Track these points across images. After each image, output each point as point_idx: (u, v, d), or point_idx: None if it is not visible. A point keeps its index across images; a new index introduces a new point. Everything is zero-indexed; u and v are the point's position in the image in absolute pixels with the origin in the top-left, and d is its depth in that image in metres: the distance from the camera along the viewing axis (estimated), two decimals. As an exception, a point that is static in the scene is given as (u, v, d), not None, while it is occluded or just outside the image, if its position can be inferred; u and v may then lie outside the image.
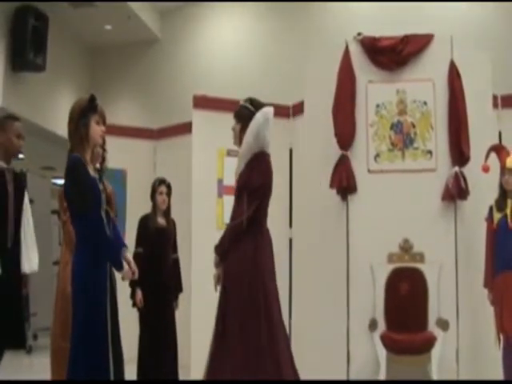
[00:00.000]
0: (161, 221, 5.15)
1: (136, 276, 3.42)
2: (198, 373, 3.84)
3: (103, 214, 3.30)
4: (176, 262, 5.26)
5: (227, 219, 3.95)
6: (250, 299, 3.59)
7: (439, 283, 5.15)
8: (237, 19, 9.53)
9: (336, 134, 5.38)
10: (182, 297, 5.30)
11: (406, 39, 5.47)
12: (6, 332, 4.07)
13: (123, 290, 4.48)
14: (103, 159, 3.52)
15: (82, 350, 3.15)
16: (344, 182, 5.29)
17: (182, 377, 5.14)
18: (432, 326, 5.07)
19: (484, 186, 5.14)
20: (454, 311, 5.15)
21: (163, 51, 9.81)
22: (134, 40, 9.72)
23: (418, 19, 7.91)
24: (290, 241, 6.53)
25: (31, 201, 4.55)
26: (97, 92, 3.69)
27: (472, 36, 7.59)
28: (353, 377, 5.22)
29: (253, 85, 8.35)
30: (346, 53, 5.48)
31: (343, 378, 5.22)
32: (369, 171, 5.44)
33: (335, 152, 5.38)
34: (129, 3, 8.76)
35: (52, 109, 8.75)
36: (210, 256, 3.80)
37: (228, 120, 4.02)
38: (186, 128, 6.74)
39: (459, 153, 5.23)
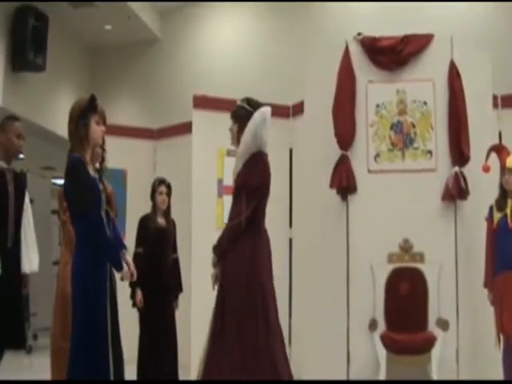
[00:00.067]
0: (161, 221, 5.15)
1: (135, 278, 3.43)
2: (198, 373, 3.84)
3: (103, 214, 3.31)
4: (176, 262, 5.26)
5: (227, 219, 3.95)
6: (248, 299, 3.59)
7: (439, 283, 5.15)
8: (237, 19, 9.53)
9: (336, 134, 5.38)
10: (182, 297, 5.30)
11: (406, 39, 5.47)
12: (5, 332, 4.08)
13: (123, 290, 4.49)
14: (102, 159, 3.53)
15: (82, 350, 3.16)
16: (344, 182, 5.29)
17: (182, 377, 5.14)
18: (432, 326, 5.07)
19: (484, 186, 5.14)
20: (454, 311, 5.15)
21: (163, 51, 9.80)
22: (134, 40, 9.72)
23: (417, 19, 7.90)
24: (290, 241, 6.53)
25: (31, 201, 4.55)
26: (97, 92, 3.69)
27: (472, 36, 7.59)
28: (353, 377, 5.22)
29: (253, 85, 8.35)
30: (346, 53, 5.48)
31: (343, 377, 5.22)
32: (369, 171, 5.44)
33: (335, 152, 5.38)
34: (129, 3, 8.76)
35: (52, 109, 8.75)
36: (210, 256, 3.80)
37: (228, 120, 4.01)
38: (186, 128, 6.74)
39: (459, 153, 5.23)
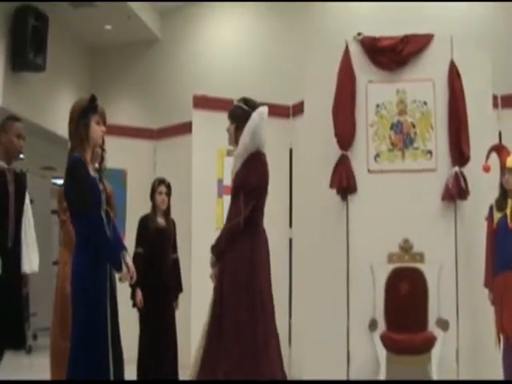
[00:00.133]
0: (161, 221, 5.15)
1: (134, 280, 3.43)
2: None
3: (103, 214, 3.31)
4: (176, 262, 5.26)
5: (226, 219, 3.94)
6: (246, 299, 3.59)
7: (439, 283, 5.15)
8: (237, 19, 9.53)
9: (336, 134, 5.38)
10: (182, 297, 5.30)
11: (406, 39, 5.47)
12: (5, 332, 4.08)
13: (123, 290, 4.48)
14: (102, 159, 3.53)
15: (82, 350, 3.16)
16: (344, 182, 5.29)
17: (182, 377, 5.14)
18: (432, 326, 5.07)
19: (484, 186, 5.14)
20: (454, 311, 5.15)
21: (163, 51, 9.80)
22: (134, 40, 9.71)
23: (418, 19, 7.90)
24: (290, 241, 6.53)
25: (31, 201, 4.55)
26: (97, 92, 3.69)
27: (472, 36, 7.58)
28: (353, 377, 5.22)
29: (253, 85, 8.35)
30: (346, 53, 5.48)
31: (343, 378, 5.22)
32: (369, 171, 5.44)
33: (335, 152, 5.38)
34: (129, 3, 8.75)
35: (52, 109, 8.75)
36: (209, 256, 3.80)
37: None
38: (186, 128, 6.74)
39: (459, 153, 5.23)
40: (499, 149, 4.93)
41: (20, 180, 4.30)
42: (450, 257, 5.22)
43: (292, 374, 6.09)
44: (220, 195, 6.31)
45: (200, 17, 9.60)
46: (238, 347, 3.53)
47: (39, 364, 6.41)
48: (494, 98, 5.81)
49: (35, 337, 8.49)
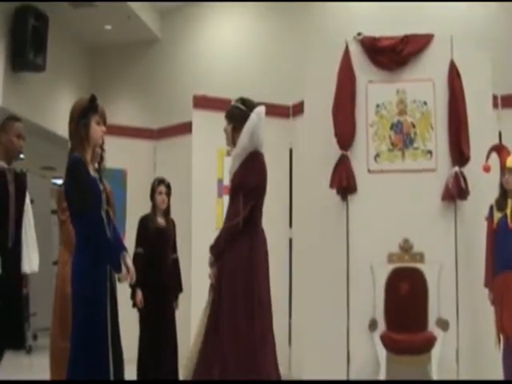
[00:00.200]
0: (160, 221, 5.15)
1: (133, 281, 3.43)
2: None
3: (103, 214, 3.31)
4: (176, 262, 5.26)
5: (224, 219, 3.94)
6: (245, 299, 3.59)
7: (439, 283, 5.15)
8: (237, 19, 9.53)
9: (336, 134, 5.38)
10: (182, 297, 5.30)
11: (406, 39, 5.47)
12: (5, 332, 4.08)
13: (123, 290, 4.48)
14: (101, 159, 3.53)
15: (82, 350, 3.16)
16: (344, 182, 5.29)
17: (182, 377, 5.13)
18: (432, 326, 5.07)
19: (484, 186, 5.14)
20: (454, 311, 5.14)
21: (163, 51, 9.80)
22: (134, 40, 9.72)
23: (418, 19, 7.90)
24: (290, 241, 6.53)
25: (31, 201, 4.55)
26: (97, 92, 3.69)
27: (472, 36, 7.59)
28: (353, 377, 5.22)
29: (253, 85, 8.35)
30: (346, 53, 5.48)
31: (343, 378, 5.22)
32: (369, 171, 5.44)
33: (335, 152, 5.38)
34: (129, 3, 8.76)
35: (52, 109, 8.75)
36: (208, 256, 3.80)
37: (228, 120, 4.01)
38: (186, 128, 6.74)
39: (459, 153, 5.23)
40: (499, 149, 4.93)
41: (20, 180, 4.31)
42: (450, 257, 5.22)
43: (292, 374, 6.10)
44: (220, 195, 6.31)
45: (200, 17, 9.61)
46: (235, 347, 3.53)
47: (39, 364, 6.40)
48: (494, 98, 5.81)
49: (35, 337, 8.49)
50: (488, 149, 4.94)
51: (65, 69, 9.24)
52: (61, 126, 7.49)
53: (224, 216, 3.84)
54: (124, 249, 3.45)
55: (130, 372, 4.22)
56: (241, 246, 3.64)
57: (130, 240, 4.98)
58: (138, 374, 4.96)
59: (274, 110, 6.34)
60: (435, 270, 5.16)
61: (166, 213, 5.20)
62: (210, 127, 6.21)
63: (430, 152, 5.40)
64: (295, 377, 5.91)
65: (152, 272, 4.91)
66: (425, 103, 5.44)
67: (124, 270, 3.31)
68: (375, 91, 5.49)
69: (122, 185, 7.09)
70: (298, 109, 6.31)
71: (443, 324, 5.02)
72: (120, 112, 9.27)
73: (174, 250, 5.26)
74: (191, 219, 6.18)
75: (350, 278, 5.32)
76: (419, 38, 5.50)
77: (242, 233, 3.64)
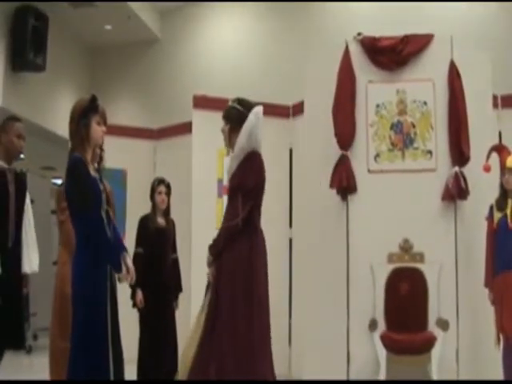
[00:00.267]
0: (160, 221, 5.15)
1: (133, 281, 3.44)
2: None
3: (103, 214, 3.31)
4: (175, 261, 5.26)
5: (223, 220, 3.94)
6: (244, 300, 3.59)
7: (439, 283, 5.15)
8: (237, 19, 9.53)
9: (336, 134, 5.38)
10: (182, 297, 5.31)
11: (406, 39, 5.47)
12: (5, 332, 4.08)
13: (123, 290, 4.48)
14: (101, 159, 3.53)
15: (82, 350, 3.16)
16: (344, 182, 5.29)
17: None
18: (432, 326, 5.07)
19: (484, 186, 5.14)
20: (454, 311, 5.14)
21: (163, 51, 9.81)
22: (134, 40, 9.72)
23: (418, 19, 7.91)
24: (290, 241, 6.53)
25: (32, 201, 4.55)
26: (97, 92, 3.69)
27: (472, 36, 7.59)
28: (353, 377, 5.22)
29: (253, 85, 8.36)
30: (346, 53, 5.48)
31: (343, 378, 5.22)
32: (369, 171, 5.44)
33: (335, 152, 5.38)
34: (129, 3, 8.76)
35: (52, 109, 8.75)
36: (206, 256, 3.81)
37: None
38: (186, 128, 6.74)
39: (459, 153, 5.23)
40: (500, 149, 4.93)
41: (20, 180, 4.31)
42: (450, 257, 5.22)
43: (292, 373, 6.10)
44: (220, 195, 6.31)
45: (200, 17, 9.61)
46: (232, 346, 3.52)
47: (39, 364, 6.40)
48: (494, 98, 5.81)
49: (35, 337, 8.49)
50: (488, 149, 4.94)
51: (65, 69, 9.25)
52: (61, 125, 7.50)
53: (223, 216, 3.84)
54: (124, 249, 3.45)
55: (130, 372, 4.22)
56: (240, 246, 3.64)
57: (130, 240, 4.98)
58: (138, 374, 4.96)
59: (274, 110, 6.35)
60: (435, 270, 5.16)
61: (166, 213, 5.20)
62: (210, 127, 6.18)
63: (430, 152, 5.40)
64: (295, 377, 5.91)
65: (152, 272, 4.91)
66: (425, 103, 5.44)
67: (124, 270, 3.31)
68: (375, 91, 5.49)
69: (122, 185, 7.09)
70: (298, 109, 6.31)
71: (443, 324, 5.02)
72: (120, 112, 9.27)
73: (174, 249, 5.26)
74: (191, 219, 6.18)
75: (350, 278, 5.32)
76: (419, 37, 5.50)
77: (241, 233, 3.64)
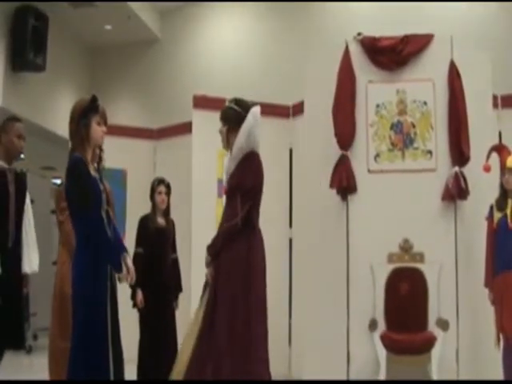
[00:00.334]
0: (160, 221, 5.15)
1: (133, 281, 3.44)
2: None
3: (104, 214, 3.31)
4: (175, 261, 5.26)
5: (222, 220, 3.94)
6: (242, 300, 3.59)
7: (439, 283, 5.14)
8: (237, 19, 9.54)
9: (336, 134, 5.37)
10: (181, 297, 5.31)
11: (406, 39, 5.47)
12: (5, 332, 4.08)
13: (123, 290, 4.48)
14: (100, 159, 3.53)
15: (82, 350, 3.16)
16: (344, 182, 5.29)
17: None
18: (432, 326, 5.07)
19: (484, 186, 5.14)
20: (454, 311, 5.14)
21: (163, 51, 9.81)
22: (134, 40, 9.72)
23: (418, 19, 7.91)
24: (290, 241, 6.53)
25: (32, 201, 4.55)
26: (97, 92, 3.70)
27: (472, 36, 7.59)
28: (353, 377, 5.22)
29: (253, 85, 8.36)
30: (346, 53, 5.48)
31: (343, 378, 5.21)
32: (369, 171, 5.44)
33: (335, 152, 5.38)
34: (129, 3, 8.76)
35: (52, 109, 8.75)
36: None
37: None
38: (186, 128, 6.74)
39: (459, 153, 5.23)
40: (500, 149, 4.93)
41: (20, 180, 4.31)
42: (450, 257, 5.22)
43: (292, 373, 6.10)
44: (220, 195, 6.31)
45: (200, 17, 9.61)
46: (230, 346, 3.53)
47: (39, 364, 6.39)
48: (494, 98, 5.81)
49: (35, 337, 8.48)
50: (488, 149, 4.94)
51: (65, 69, 9.25)
52: (61, 125, 7.50)
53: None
54: (124, 249, 3.45)
55: (130, 372, 4.22)
56: (238, 246, 3.65)
57: (130, 240, 4.98)
58: (138, 374, 4.96)
59: (274, 110, 6.35)
60: (435, 270, 5.16)
61: (166, 213, 5.20)
62: (210, 127, 6.16)
63: (430, 152, 5.40)
64: (295, 377, 5.91)
65: (152, 272, 4.91)
66: (425, 103, 5.44)
67: (124, 270, 3.31)
68: (375, 91, 5.49)
69: (122, 185, 7.09)
70: (298, 109, 6.31)
71: (443, 324, 5.02)
72: (120, 112, 9.27)
73: (174, 249, 5.26)
74: (191, 219, 6.18)
75: (350, 278, 5.32)
76: (419, 37, 5.50)
77: (239, 233, 3.65)
